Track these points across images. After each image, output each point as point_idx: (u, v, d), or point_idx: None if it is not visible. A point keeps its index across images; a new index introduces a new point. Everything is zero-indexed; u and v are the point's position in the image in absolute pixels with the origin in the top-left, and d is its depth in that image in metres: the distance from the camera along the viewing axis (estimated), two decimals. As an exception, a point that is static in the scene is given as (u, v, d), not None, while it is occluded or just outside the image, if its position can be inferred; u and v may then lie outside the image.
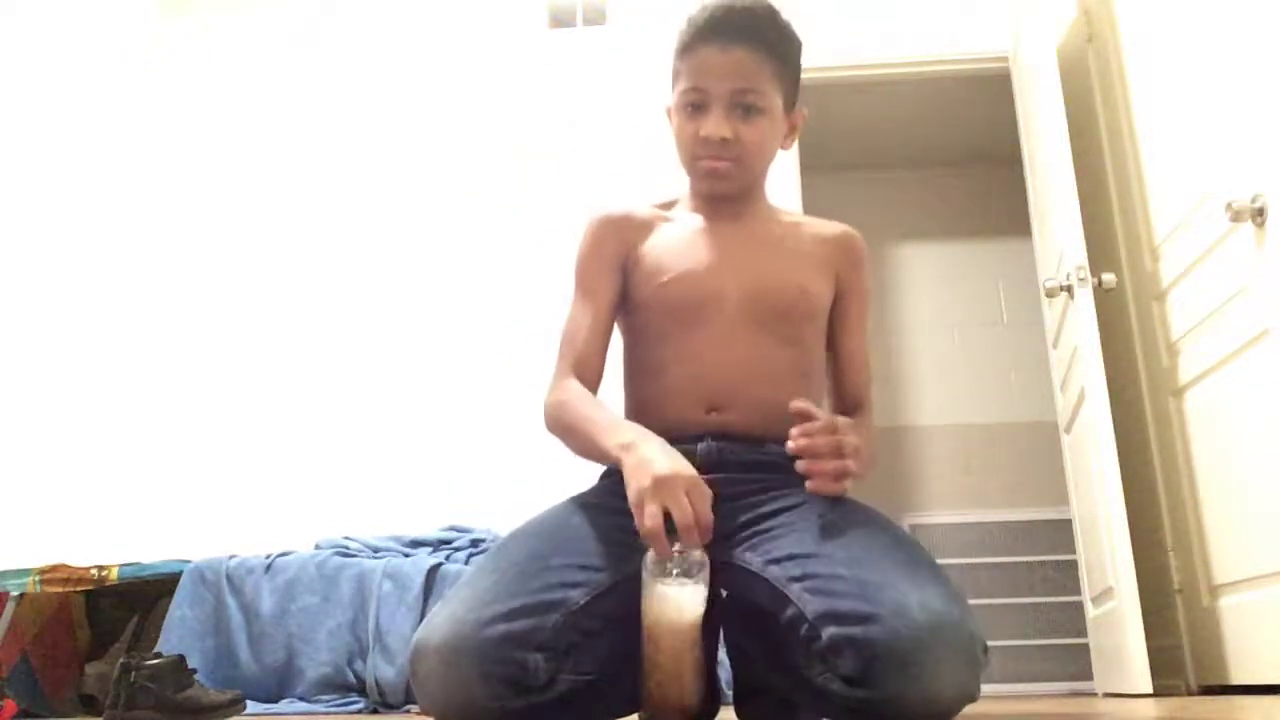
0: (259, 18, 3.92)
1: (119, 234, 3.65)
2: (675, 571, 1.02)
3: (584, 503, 1.23)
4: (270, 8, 3.92)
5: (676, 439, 1.19)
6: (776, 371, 1.27)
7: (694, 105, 1.31)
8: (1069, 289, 2.73)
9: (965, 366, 4.64)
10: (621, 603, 1.08)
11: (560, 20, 3.78)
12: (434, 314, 3.54)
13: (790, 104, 1.36)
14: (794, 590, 1.02)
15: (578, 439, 1.20)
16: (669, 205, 1.43)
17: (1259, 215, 2.06)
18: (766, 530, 1.13)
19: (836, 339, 1.39)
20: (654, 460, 1.06)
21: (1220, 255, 2.28)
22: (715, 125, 1.28)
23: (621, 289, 1.34)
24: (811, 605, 0.98)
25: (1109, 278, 2.70)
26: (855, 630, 0.93)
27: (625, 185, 3.49)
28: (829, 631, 0.95)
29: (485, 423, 3.39)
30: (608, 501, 1.20)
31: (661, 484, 1.03)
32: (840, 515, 1.11)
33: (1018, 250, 4.68)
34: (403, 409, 3.46)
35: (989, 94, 4.08)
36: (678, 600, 1.03)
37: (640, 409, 1.32)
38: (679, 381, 1.27)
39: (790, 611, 1.01)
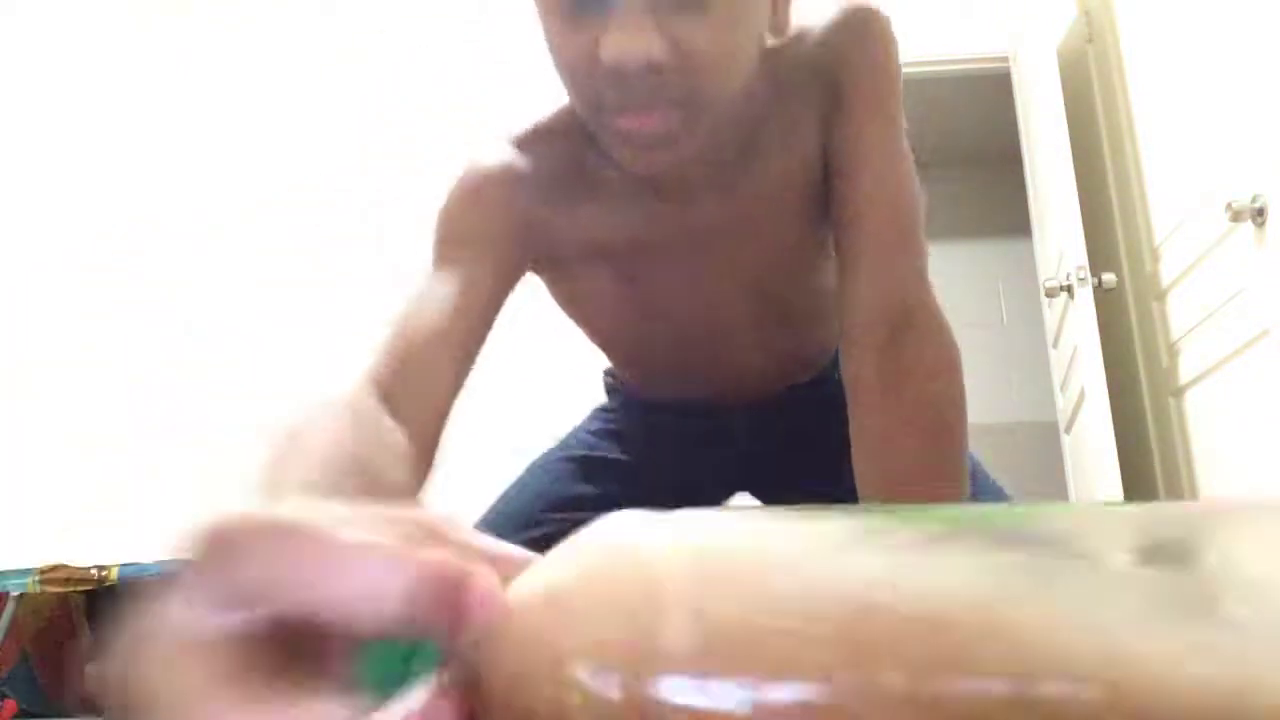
0: (259, 16, 3.91)
1: (119, 233, 3.65)
2: None
3: (572, 455, 1.02)
4: (270, 7, 3.92)
5: (694, 412, 0.94)
6: (780, 316, 0.88)
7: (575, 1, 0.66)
8: (1069, 289, 2.73)
9: (965, 366, 4.63)
10: None
11: (560, 20, 3.78)
12: (434, 314, 3.53)
13: None
14: None
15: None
16: (564, 130, 0.82)
17: (1259, 215, 2.06)
18: (811, 459, 0.92)
19: (843, 179, 0.76)
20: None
21: (1220, 255, 2.28)
22: (629, 36, 0.62)
23: (510, 279, 0.79)
24: None
25: (1109, 278, 2.69)
26: None
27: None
28: None
29: (486, 422, 3.39)
30: (605, 429, 1.04)
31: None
32: None
33: (1018, 250, 4.68)
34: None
35: (989, 94, 4.08)
36: None
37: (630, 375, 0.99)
38: (651, 353, 0.91)
39: None
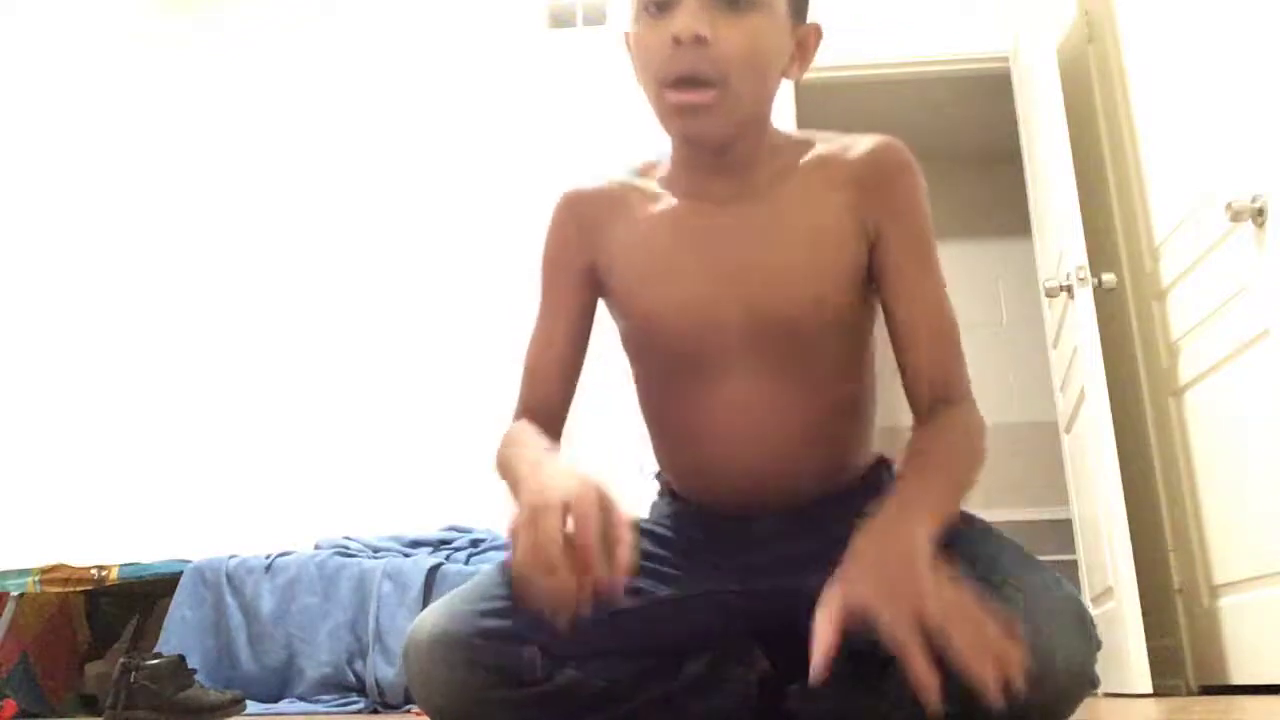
0: (259, 17, 3.91)
1: (119, 233, 3.65)
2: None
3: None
4: (271, 7, 3.92)
5: (724, 515, 1.08)
6: (810, 420, 1.04)
7: (658, 4, 0.94)
8: (1069, 289, 2.73)
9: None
10: (646, 628, 1.02)
11: (560, 20, 3.78)
12: (433, 314, 3.54)
13: (800, 12, 1.00)
14: None
15: (509, 484, 0.96)
16: (651, 168, 1.13)
17: (1259, 215, 2.06)
18: (839, 554, 0.97)
19: (891, 304, 1.02)
20: (543, 484, 0.83)
21: (1220, 255, 2.28)
22: (685, 21, 0.90)
23: (592, 298, 1.12)
24: None
25: (1109, 278, 2.69)
26: None
27: (625, 185, 3.48)
28: None
29: (486, 422, 3.39)
30: (650, 530, 1.12)
31: (536, 510, 0.80)
32: None
33: (1018, 250, 4.67)
34: (403, 409, 3.45)
35: (989, 94, 4.08)
36: None
37: (674, 476, 1.15)
38: (698, 461, 1.08)
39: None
